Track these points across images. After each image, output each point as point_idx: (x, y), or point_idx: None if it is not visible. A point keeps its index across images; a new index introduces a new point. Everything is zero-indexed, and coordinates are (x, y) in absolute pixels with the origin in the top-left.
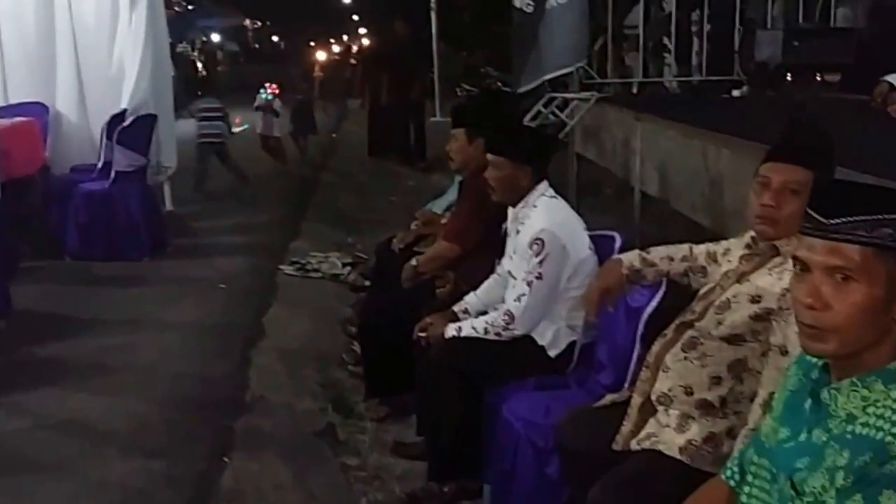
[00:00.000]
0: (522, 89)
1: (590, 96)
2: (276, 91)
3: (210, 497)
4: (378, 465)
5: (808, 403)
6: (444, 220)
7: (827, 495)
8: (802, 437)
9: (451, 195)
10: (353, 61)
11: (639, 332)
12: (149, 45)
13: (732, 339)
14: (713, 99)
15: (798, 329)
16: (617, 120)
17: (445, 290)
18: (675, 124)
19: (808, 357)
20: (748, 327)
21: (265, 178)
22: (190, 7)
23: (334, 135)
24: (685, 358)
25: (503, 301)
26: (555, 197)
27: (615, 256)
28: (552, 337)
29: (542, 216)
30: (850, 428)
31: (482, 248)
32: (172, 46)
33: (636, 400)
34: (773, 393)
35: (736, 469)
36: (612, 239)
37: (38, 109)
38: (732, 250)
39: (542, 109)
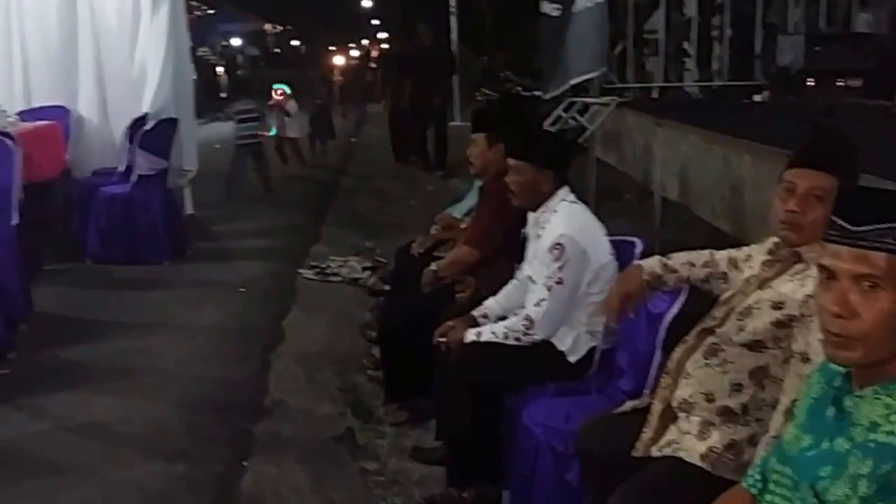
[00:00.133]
0: (550, 95)
1: (610, 101)
2: (281, 97)
3: (229, 500)
4: (397, 469)
5: (830, 411)
6: (463, 225)
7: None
8: (825, 445)
9: (471, 200)
10: (372, 65)
11: (659, 338)
12: (170, 49)
13: (754, 346)
14: (734, 104)
15: (823, 337)
16: (637, 125)
17: (465, 295)
18: (696, 129)
19: (831, 365)
20: (770, 334)
21: (285, 182)
22: (211, 11)
23: (353, 139)
24: (706, 364)
25: (523, 306)
26: (575, 202)
27: (636, 262)
28: (572, 342)
29: (563, 221)
30: (872, 436)
31: (502, 252)
32: (193, 50)
33: (657, 406)
34: (795, 400)
35: (758, 477)
36: (633, 244)
37: (59, 113)
38: (754, 256)
39: (563, 114)
